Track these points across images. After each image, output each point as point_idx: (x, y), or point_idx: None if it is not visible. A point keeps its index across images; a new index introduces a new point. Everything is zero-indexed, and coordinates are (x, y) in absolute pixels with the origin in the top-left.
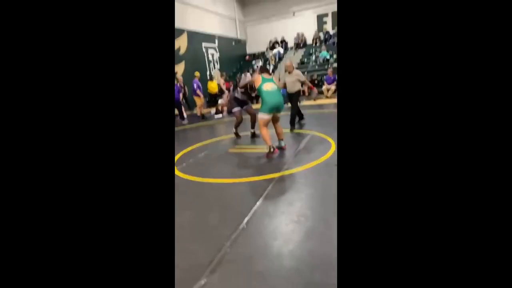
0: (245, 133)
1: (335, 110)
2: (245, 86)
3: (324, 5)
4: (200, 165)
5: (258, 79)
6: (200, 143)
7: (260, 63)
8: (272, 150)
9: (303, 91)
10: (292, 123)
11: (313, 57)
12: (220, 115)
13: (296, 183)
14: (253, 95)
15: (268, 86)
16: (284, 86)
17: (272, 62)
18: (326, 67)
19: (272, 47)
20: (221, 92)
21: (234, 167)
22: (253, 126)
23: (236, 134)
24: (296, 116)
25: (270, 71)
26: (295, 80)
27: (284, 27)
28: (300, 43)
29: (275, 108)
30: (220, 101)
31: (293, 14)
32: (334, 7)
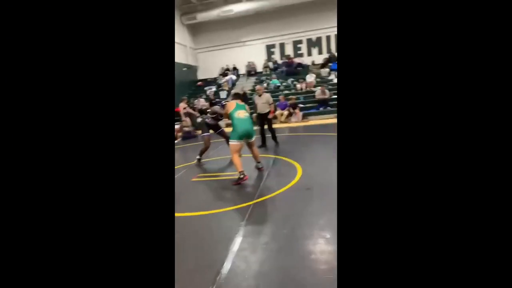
0: (205, 159)
1: (291, 134)
2: (218, 113)
3: (272, 37)
4: None
5: (231, 105)
6: None
7: (213, 88)
8: (242, 176)
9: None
10: (263, 142)
11: (265, 84)
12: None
13: (273, 209)
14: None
15: (241, 114)
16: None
17: (226, 88)
18: (277, 94)
19: (224, 73)
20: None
21: (202, 198)
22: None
23: (199, 160)
24: (272, 140)
25: (224, 96)
26: (265, 102)
27: (235, 55)
28: (251, 71)
29: (245, 135)
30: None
31: (244, 44)
32: (281, 39)
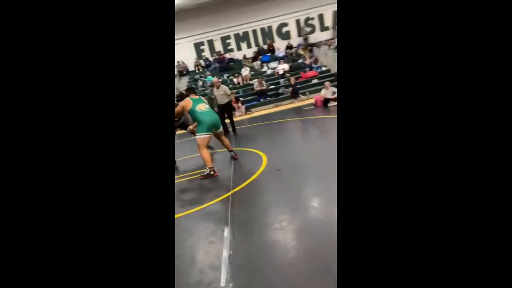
0: None
1: (239, 127)
2: (179, 114)
3: (199, 34)
4: None
5: (188, 102)
6: None
7: None
8: (212, 173)
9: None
10: (225, 131)
11: (200, 82)
12: None
13: (253, 194)
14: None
15: (202, 107)
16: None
17: None
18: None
19: None
20: None
21: (180, 197)
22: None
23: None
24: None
25: None
26: (223, 93)
27: None
28: (183, 71)
29: (213, 126)
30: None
31: None
32: (209, 36)
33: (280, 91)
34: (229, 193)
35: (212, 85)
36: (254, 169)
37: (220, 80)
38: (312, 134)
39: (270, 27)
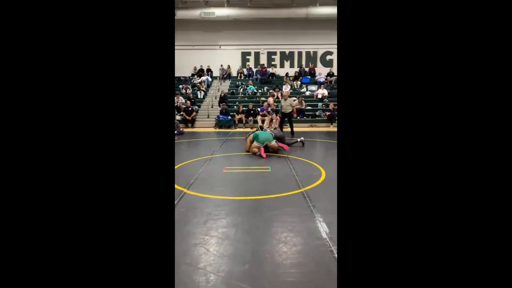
0: (216, 155)
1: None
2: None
3: (248, 45)
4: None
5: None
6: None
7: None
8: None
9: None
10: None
11: (241, 89)
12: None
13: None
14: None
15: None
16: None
17: (203, 88)
18: (255, 99)
19: (198, 74)
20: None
21: (248, 186)
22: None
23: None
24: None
25: (201, 96)
26: (288, 104)
27: (209, 57)
28: (225, 74)
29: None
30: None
31: (220, 47)
32: (256, 48)
33: (317, 113)
34: (299, 190)
35: (254, 94)
36: (315, 176)
37: (259, 91)
38: None
39: (315, 52)
